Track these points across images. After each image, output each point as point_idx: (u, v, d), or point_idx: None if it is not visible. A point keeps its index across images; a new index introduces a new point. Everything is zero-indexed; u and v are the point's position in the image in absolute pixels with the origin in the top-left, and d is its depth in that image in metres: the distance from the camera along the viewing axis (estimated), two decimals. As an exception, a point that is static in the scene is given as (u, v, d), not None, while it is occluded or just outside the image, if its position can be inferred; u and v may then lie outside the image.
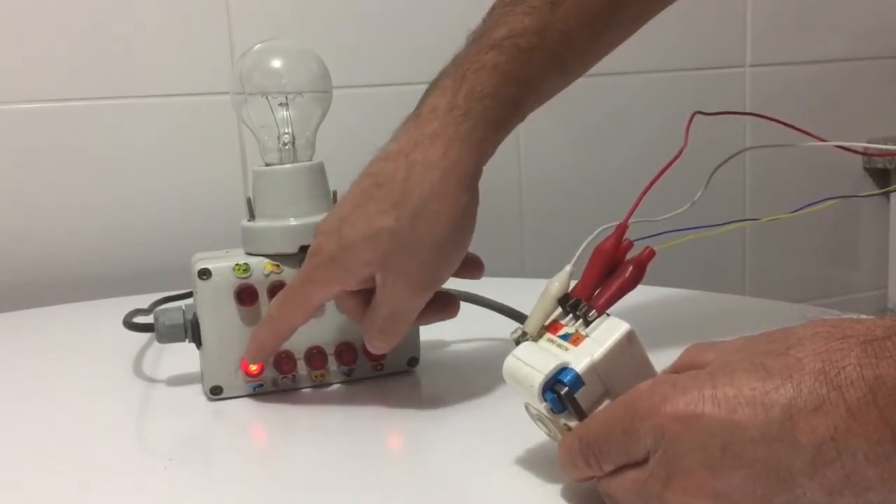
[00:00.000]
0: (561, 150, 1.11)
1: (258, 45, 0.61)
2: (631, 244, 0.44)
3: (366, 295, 0.53)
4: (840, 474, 0.31)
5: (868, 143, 1.25)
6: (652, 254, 0.43)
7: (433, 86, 0.53)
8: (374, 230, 0.50)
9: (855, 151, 1.21)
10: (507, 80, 0.51)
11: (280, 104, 0.59)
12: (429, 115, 0.51)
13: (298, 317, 0.54)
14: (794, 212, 0.50)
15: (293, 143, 0.60)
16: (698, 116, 0.48)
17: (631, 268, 0.43)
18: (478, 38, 0.53)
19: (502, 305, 0.65)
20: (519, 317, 0.62)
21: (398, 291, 0.51)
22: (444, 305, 0.56)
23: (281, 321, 0.54)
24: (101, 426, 0.55)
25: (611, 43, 0.56)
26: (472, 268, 0.56)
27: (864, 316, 0.35)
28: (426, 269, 0.51)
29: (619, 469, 0.36)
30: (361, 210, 0.50)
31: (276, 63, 0.60)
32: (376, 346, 0.54)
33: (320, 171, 0.59)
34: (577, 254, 0.43)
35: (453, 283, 0.65)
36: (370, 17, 1.01)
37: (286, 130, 0.60)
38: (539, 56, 0.52)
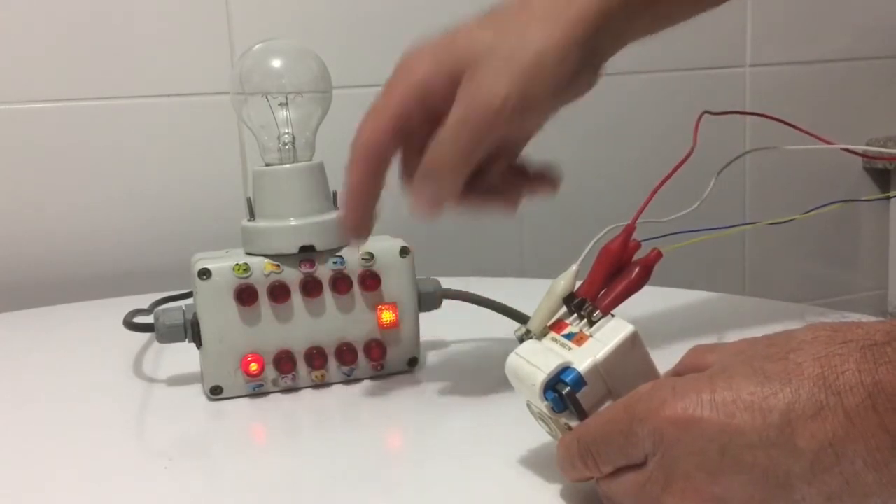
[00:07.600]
0: (561, 149, 1.11)
1: (258, 45, 0.61)
2: (638, 245, 0.43)
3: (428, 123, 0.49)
4: (839, 480, 0.31)
5: (868, 142, 1.26)
6: (659, 255, 0.43)
7: None
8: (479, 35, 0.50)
9: (860, 154, 1.21)
10: None
11: (280, 104, 0.59)
12: None
13: (384, 122, 0.50)
14: (804, 214, 0.50)
15: (293, 143, 0.60)
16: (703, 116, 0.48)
17: (637, 269, 0.42)
18: None
19: (502, 305, 0.65)
20: (519, 317, 0.62)
21: (491, 77, 0.47)
22: (541, 177, 0.56)
23: (365, 135, 0.50)
24: (101, 426, 0.55)
25: None
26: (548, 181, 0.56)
27: (865, 318, 0.34)
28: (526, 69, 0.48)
29: (618, 471, 0.36)
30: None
31: (276, 63, 0.60)
32: (427, 176, 0.47)
33: (320, 171, 0.59)
34: (584, 253, 0.43)
35: (454, 283, 0.65)
36: (370, 17, 1.01)
37: (286, 130, 0.60)
38: None
